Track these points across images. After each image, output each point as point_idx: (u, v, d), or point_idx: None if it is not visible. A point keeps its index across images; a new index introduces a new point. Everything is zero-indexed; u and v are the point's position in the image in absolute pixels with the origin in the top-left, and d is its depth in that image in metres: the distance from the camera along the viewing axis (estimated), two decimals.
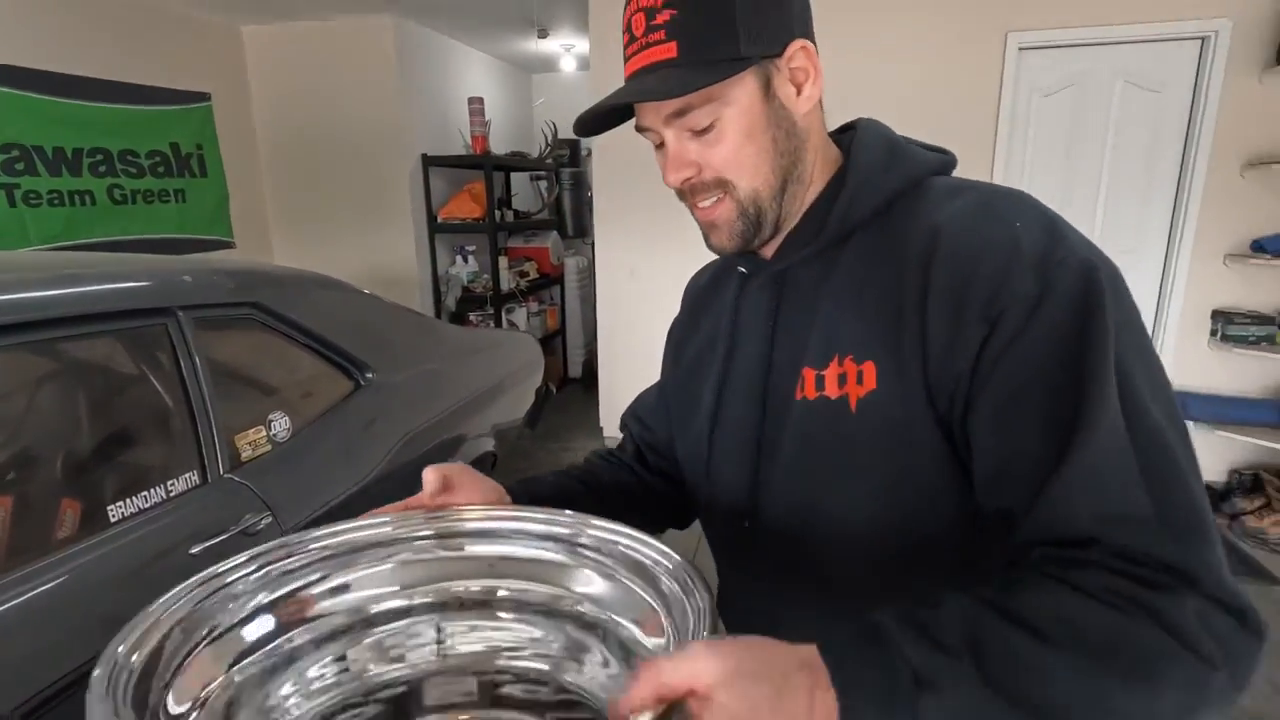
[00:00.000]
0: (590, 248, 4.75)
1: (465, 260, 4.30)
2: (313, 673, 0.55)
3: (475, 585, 0.61)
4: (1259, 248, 2.91)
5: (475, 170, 4.17)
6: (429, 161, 4.04)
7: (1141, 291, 3.19)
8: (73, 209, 3.05)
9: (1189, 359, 3.16)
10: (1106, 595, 0.42)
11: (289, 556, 0.57)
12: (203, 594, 0.51)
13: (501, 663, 0.59)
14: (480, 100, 3.98)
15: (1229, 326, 3.00)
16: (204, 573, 0.52)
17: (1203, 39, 2.88)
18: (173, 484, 1.30)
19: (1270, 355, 2.93)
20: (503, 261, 4.22)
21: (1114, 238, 3.17)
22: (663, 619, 0.48)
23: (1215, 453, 3.20)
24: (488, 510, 0.62)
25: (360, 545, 0.60)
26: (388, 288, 2.16)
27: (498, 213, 4.16)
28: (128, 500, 1.22)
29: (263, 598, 0.54)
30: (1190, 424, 3.14)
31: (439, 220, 4.12)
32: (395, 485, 1.80)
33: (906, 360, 0.55)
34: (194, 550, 1.25)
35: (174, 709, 0.45)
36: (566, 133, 4.79)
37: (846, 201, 0.61)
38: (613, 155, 3.58)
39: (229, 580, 0.53)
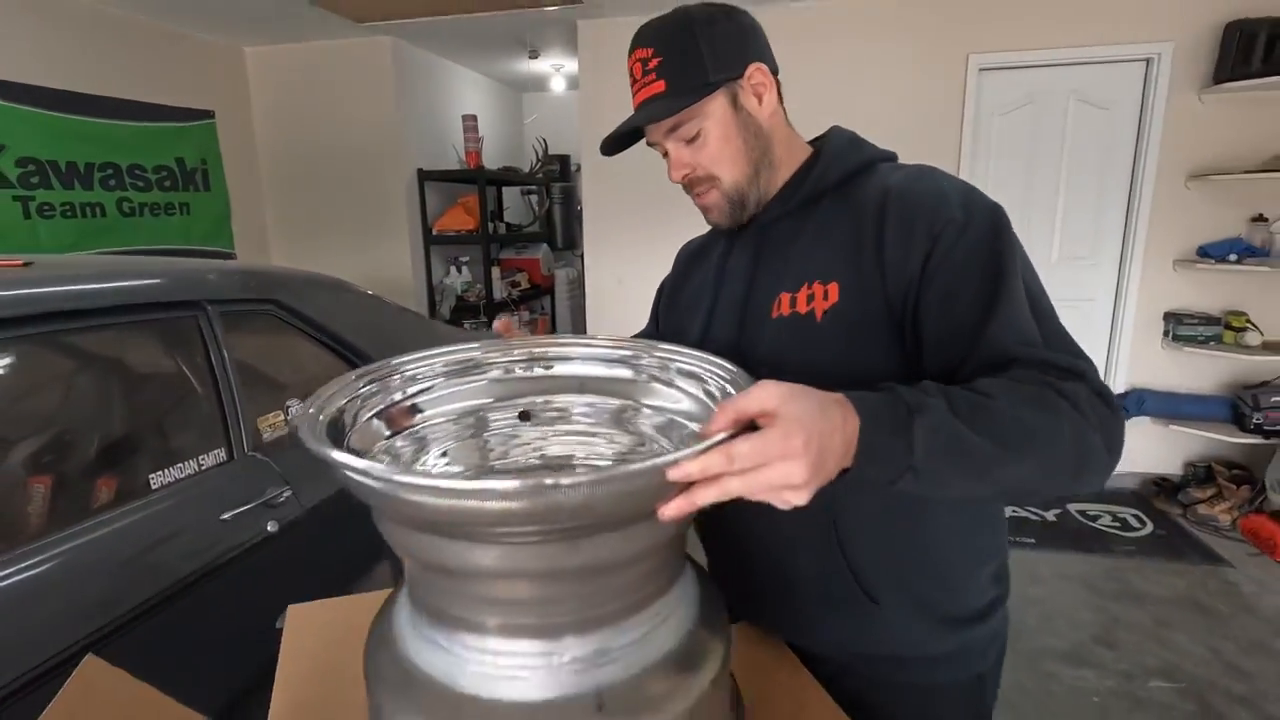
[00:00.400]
0: (580, 259, 4.92)
1: (459, 271, 4.45)
2: (439, 459, 0.70)
3: (560, 399, 0.76)
4: (1204, 253, 3.12)
5: (469, 184, 4.33)
6: (424, 176, 4.20)
7: (1099, 296, 3.40)
8: (84, 220, 3.19)
9: (1144, 358, 3.36)
10: (1027, 379, 0.61)
11: (415, 365, 0.72)
12: (360, 384, 0.67)
13: (578, 460, 0.74)
14: (474, 117, 4.15)
15: (1179, 327, 3.20)
16: (357, 370, 0.67)
17: (1147, 60, 3.11)
18: (204, 459, 1.44)
19: (1218, 354, 3.13)
20: (495, 272, 4.37)
21: (1072, 246, 3.38)
22: None
23: (1171, 447, 3.39)
24: (565, 338, 0.78)
25: (467, 364, 0.75)
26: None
27: (490, 225, 4.32)
28: (165, 471, 1.36)
29: (406, 390, 0.70)
30: (1146, 419, 3.34)
31: (434, 232, 4.27)
32: None
33: (866, 277, 0.73)
34: (224, 516, 1.39)
35: (355, 447, 0.61)
36: (556, 149, 4.98)
37: (820, 172, 0.81)
38: (601, 171, 3.77)
39: (378, 378, 0.68)
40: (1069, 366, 0.62)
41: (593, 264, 3.99)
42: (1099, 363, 3.45)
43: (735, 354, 0.81)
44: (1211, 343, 3.15)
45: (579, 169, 4.74)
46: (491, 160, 4.61)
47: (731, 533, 0.87)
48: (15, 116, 2.90)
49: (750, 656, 0.84)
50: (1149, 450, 3.42)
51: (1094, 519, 3.13)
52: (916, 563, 0.79)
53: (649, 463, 0.45)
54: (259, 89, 4.20)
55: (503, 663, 0.54)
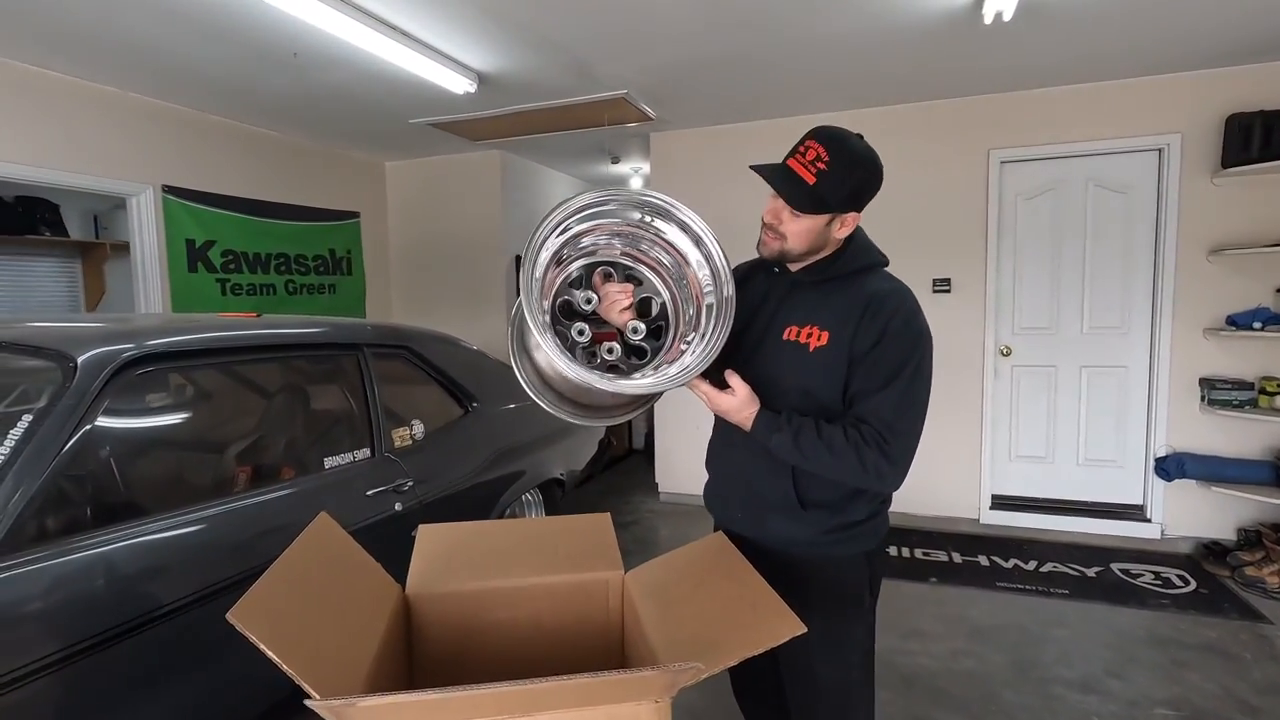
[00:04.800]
0: None
1: None
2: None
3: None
4: (1231, 322, 3.30)
5: None
6: (521, 262, 4.95)
7: (1132, 363, 3.60)
8: (261, 297, 4.08)
9: (1184, 422, 3.48)
10: (852, 436, 1.16)
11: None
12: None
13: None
14: None
15: (1214, 392, 3.35)
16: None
17: (1159, 150, 3.43)
18: (357, 453, 2.03)
19: (1254, 417, 3.24)
20: None
21: (1102, 315, 3.62)
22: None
23: (1222, 511, 3.44)
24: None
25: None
26: None
27: None
28: (333, 457, 1.95)
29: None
30: (1191, 482, 3.44)
31: None
32: (482, 493, 2.46)
33: (843, 337, 1.21)
34: (368, 492, 1.95)
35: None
36: None
37: (839, 267, 1.27)
38: None
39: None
40: (882, 439, 1.15)
41: None
42: (1140, 425, 3.60)
43: (756, 353, 1.32)
44: (1246, 407, 3.27)
45: None
46: None
47: (726, 466, 1.41)
48: (223, 219, 3.84)
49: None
50: (1196, 513, 3.48)
51: (1135, 577, 3.22)
52: (826, 490, 1.27)
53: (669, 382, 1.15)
54: (394, 193, 5.16)
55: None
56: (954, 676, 2.42)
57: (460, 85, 3.15)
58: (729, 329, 1.20)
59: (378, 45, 2.72)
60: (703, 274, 1.29)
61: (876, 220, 1.34)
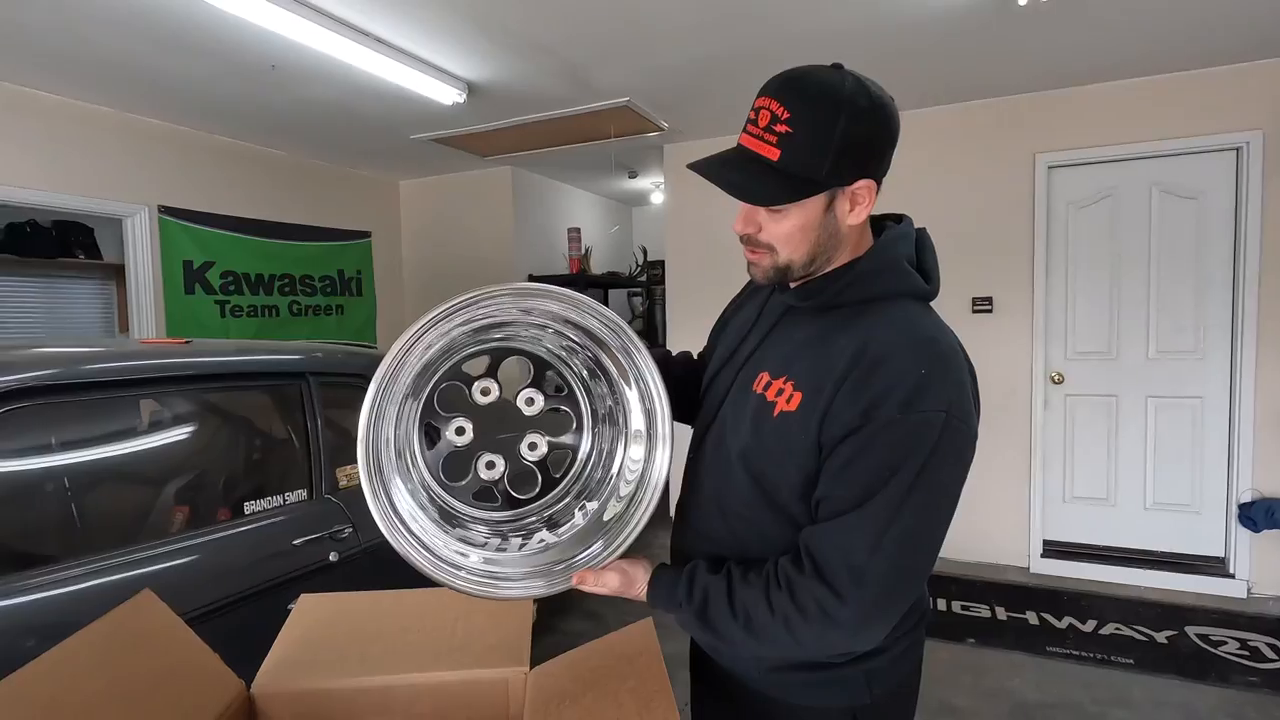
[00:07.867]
0: None
1: None
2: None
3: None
4: None
5: (572, 287, 4.86)
6: (533, 279, 4.77)
7: (1209, 392, 3.13)
8: (263, 319, 3.98)
9: (1273, 462, 3.00)
10: (778, 604, 0.76)
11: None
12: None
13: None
14: (577, 229, 4.71)
15: None
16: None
17: (1236, 149, 2.99)
18: (289, 495, 1.81)
19: None
20: None
21: (1171, 338, 3.17)
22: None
23: None
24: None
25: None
26: None
27: None
28: (254, 502, 1.74)
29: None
30: None
31: None
32: None
33: (817, 409, 0.77)
34: (295, 541, 1.73)
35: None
36: (657, 255, 5.44)
37: (842, 287, 0.82)
38: (684, 271, 4.11)
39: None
40: (831, 594, 0.73)
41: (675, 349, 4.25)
42: (1219, 465, 3.13)
43: (721, 399, 0.93)
44: None
45: None
46: (602, 266, 5.13)
47: (679, 530, 1.02)
48: (222, 240, 3.77)
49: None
50: None
51: (1216, 645, 2.74)
52: None
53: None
54: (409, 212, 5.06)
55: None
56: None
57: (449, 95, 2.98)
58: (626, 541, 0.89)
59: (354, 55, 2.56)
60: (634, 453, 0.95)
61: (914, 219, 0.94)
